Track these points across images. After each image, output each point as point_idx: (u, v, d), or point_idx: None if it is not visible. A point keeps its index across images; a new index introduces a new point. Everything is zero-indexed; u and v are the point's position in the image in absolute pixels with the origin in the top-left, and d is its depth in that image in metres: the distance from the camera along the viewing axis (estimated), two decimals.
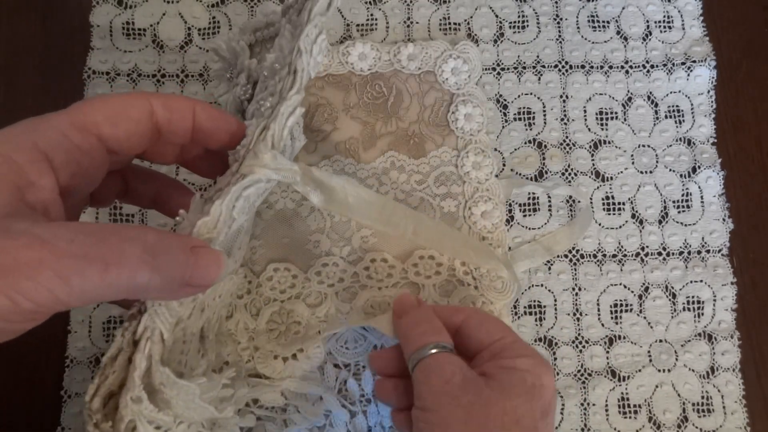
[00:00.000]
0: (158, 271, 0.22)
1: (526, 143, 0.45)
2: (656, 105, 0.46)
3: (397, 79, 0.44)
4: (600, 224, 0.44)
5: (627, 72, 0.46)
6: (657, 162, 0.45)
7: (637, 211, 0.44)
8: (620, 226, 0.44)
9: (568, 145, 0.45)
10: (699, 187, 0.45)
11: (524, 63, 0.46)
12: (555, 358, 0.42)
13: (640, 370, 0.42)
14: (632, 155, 0.45)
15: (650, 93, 0.46)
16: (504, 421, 0.28)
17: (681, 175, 0.45)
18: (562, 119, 0.45)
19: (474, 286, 0.41)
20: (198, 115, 0.28)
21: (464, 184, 0.43)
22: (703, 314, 0.43)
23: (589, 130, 0.45)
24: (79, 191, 0.26)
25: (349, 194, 0.32)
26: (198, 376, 0.30)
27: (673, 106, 0.46)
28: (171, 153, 0.30)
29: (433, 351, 0.31)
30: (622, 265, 0.43)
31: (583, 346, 0.42)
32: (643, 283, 0.43)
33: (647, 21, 0.47)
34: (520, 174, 0.44)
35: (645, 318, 0.43)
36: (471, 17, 0.47)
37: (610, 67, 0.46)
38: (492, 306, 0.41)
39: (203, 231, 0.26)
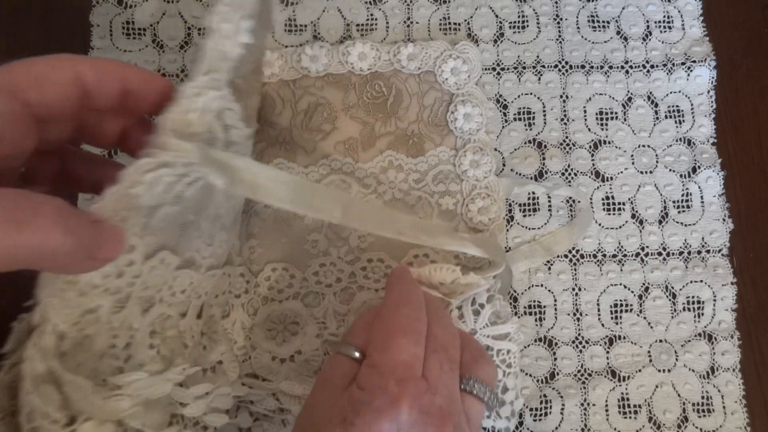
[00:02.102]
0: (70, 234, 0.22)
1: (526, 143, 0.45)
2: (656, 105, 0.46)
3: (396, 78, 0.44)
4: (600, 224, 0.44)
5: (627, 72, 0.46)
6: (657, 162, 0.45)
7: (637, 211, 0.44)
8: (620, 226, 0.44)
9: (568, 145, 0.45)
10: (699, 187, 0.45)
11: (524, 63, 0.46)
12: (555, 358, 0.42)
13: (640, 370, 0.42)
14: (632, 155, 0.45)
15: (650, 93, 0.46)
16: None
17: (681, 175, 0.45)
18: (562, 119, 0.45)
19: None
20: (127, 76, 0.27)
21: (462, 183, 0.43)
22: (703, 314, 0.43)
23: (589, 130, 0.45)
24: (6, 162, 0.26)
25: (259, 174, 0.29)
26: (155, 372, 0.30)
27: (673, 106, 0.46)
28: (109, 133, 0.29)
29: None
30: (622, 265, 0.43)
31: (583, 347, 0.42)
32: (643, 283, 0.43)
33: (647, 21, 0.47)
34: (520, 174, 0.44)
35: (645, 318, 0.43)
36: (471, 17, 0.47)
37: (610, 67, 0.46)
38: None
39: (98, 214, 0.25)
